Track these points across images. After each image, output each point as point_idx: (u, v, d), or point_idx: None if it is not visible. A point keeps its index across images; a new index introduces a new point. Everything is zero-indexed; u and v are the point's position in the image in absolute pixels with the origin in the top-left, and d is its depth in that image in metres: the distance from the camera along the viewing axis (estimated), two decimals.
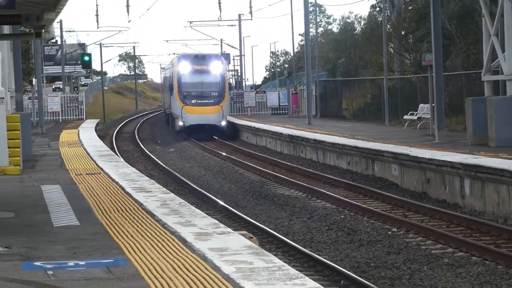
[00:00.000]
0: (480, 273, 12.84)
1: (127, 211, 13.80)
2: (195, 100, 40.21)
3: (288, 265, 9.84)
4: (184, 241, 10.91)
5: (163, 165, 28.96)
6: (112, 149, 31.51)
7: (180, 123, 40.31)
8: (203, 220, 12.75)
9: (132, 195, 15.57)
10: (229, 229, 12.14)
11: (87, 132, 37.59)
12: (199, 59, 42.56)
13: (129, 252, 10.41)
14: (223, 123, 40.61)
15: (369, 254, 14.65)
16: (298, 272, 9.13)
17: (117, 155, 28.33)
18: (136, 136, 43.81)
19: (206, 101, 40.32)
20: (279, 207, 20.16)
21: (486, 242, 14.75)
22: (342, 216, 18.76)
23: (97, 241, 11.27)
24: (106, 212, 13.64)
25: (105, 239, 11.51)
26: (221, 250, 10.14)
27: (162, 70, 63.62)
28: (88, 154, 25.15)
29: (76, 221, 13.19)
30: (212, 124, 40.39)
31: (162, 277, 8.75)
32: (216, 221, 12.63)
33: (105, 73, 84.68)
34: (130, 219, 12.88)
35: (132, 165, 24.09)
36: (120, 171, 19.97)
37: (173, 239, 11.12)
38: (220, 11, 56.80)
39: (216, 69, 41.69)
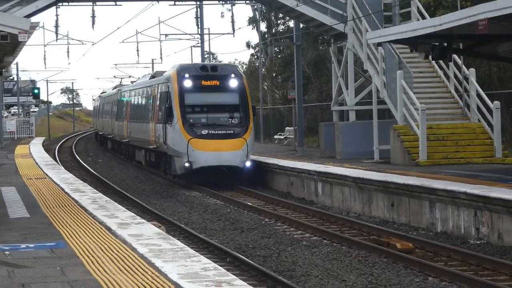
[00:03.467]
0: (329, 252, 12.91)
1: (66, 206, 13.44)
2: (206, 131, 20.36)
3: (188, 247, 9.60)
4: (109, 229, 10.63)
5: (94, 172, 28.19)
6: (55, 159, 30.36)
7: (185, 164, 20.18)
8: (123, 213, 12.45)
9: (70, 194, 15.17)
10: (143, 220, 11.89)
11: (36, 147, 36.47)
12: (209, 71, 21.23)
13: (67, 237, 10.14)
14: (248, 163, 20.69)
15: (248, 238, 14.51)
16: (195, 252, 8.93)
17: (59, 164, 27.29)
18: (73, 150, 42.08)
19: (223, 131, 20.47)
20: (181, 203, 19.93)
21: (334, 229, 14.86)
22: (228, 210, 18.63)
23: (43, 229, 10.99)
24: (50, 207, 13.28)
25: (49, 227, 11.20)
26: (137, 236, 9.91)
27: (93, 100, 59.46)
28: (37, 163, 24.49)
29: (27, 214, 12.85)
30: (232, 166, 20.45)
31: (93, 256, 8.53)
32: (134, 214, 12.37)
33: (50, 102, 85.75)
34: (69, 213, 12.56)
35: (70, 172, 23.16)
36: (61, 176, 19.47)
37: (101, 228, 10.84)
38: (138, 56, 53.69)
39: (234, 84, 21.05)
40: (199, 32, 38.51)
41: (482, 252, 12.14)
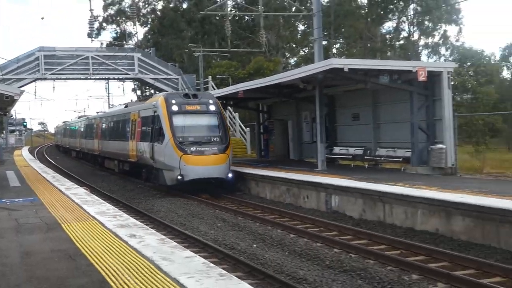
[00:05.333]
0: (170, 200, 20.15)
1: (39, 180, 20.38)
2: (195, 148, 22.06)
3: (100, 199, 14.83)
4: (61, 191, 16.27)
5: (55, 163, 41.67)
6: (34, 157, 46.29)
7: (178, 177, 21.65)
8: (68, 183, 18.63)
9: (41, 174, 23.00)
10: (78, 186, 17.73)
11: (25, 151, 57.60)
12: (191, 97, 23.51)
13: (39, 195, 15.50)
14: (230, 175, 22.36)
15: (132, 193, 21.90)
16: (104, 201, 14.23)
17: (36, 159, 42.62)
18: (44, 153, 62.38)
19: (208, 148, 22.29)
20: (101, 177, 29.81)
21: None
22: (126, 182, 26.42)
23: (27, 192, 16.59)
24: (31, 181, 20.08)
25: (30, 191, 16.90)
26: (75, 194, 15.37)
27: (55, 127, 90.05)
28: (25, 158, 38.71)
29: (19, 184, 19.31)
30: (219, 178, 22.20)
31: (52, 204, 13.30)
32: (74, 183, 18.46)
33: (31, 129, 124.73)
34: (40, 183, 18.94)
35: (42, 163, 36.26)
36: (37, 165, 30.61)
37: (56, 190, 16.51)
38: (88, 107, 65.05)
39: (213, 108, 23.33)
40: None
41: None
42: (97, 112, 54.06)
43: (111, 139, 32.30)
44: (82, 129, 46.22)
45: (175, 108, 22.72)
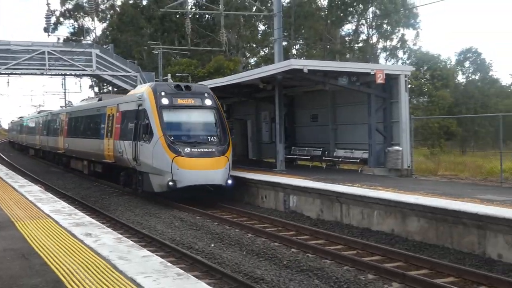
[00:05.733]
0: (127, 199, 19.90)
1: None
2: (189, 149, 18.53)
3: (58, 197, 14.84)
4: (14, 188, 16.13)
5: (8, 160, 41.01)
6: None
7: (169, 183, 18.13)
8: (22, 180, 18.39)
9: None
10: (33, 184, 17.51)
11: None
12: (184, 90, 19.88)
13: None
14: (230, 181, 18.90)
15: (87, 191, 21.66)
16: (59, 199, 14.02)
17: None
18: None
19: (206, 149, 18.74)
20: (56, 175, 29.76)
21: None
22: (81, 179, 26.05)
23: None
24: None
25: None
26: (30, 191, 15.21)
27: (9, 123, 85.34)
28: None
29: None
30: (217, 185, 18.67)
31: (4, 201, 13.23)
32: (28, 181, 18.11)
33: None
34: None
35: None
36: None
37: (9, 188, 16.37)
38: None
39: (209, 103, 19.87)
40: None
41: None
42: (61, 107, 52.17)
43: (81, 137, 28.97)
44: (43, 125, 42.66)
45: (165, 101, 19.28)
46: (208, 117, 19.59)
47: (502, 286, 9.17)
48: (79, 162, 29.78)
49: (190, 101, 19.61)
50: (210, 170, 18.27)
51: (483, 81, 56.07)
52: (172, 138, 18.51)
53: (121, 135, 21.65)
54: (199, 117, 19.56)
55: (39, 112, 52.88)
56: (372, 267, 10.51)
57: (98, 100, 28.17)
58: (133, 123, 20.26)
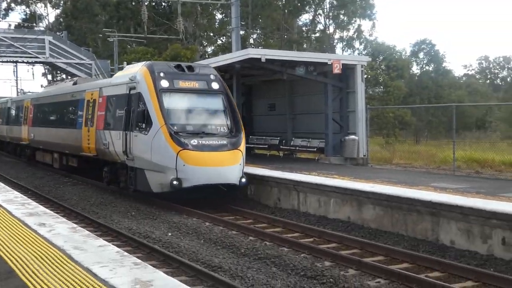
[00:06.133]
0: (81, 188, 19.53)
1: None
2: (197, 141, 15.30)
3: (10, 187, 14.89)
4: None
5: None
6: None
7: (173, 182, 14.99)
8: None
9: None
10: (11, 189, 15.67)
11: None
12: (187, 70, 16.76)
13: None
14: (244, 179, 15.91)
15: (42, 182, 21.28)
16: (11, 189, 14.14)
17: None
18: None
19: (216, 142, 15.57)
20: (9, 164, 28.92)
21: None
22: (49, 174, 25.46)
23: None
24: None
25: None
26: (5, 197, 14.64)
27: None
28: None
29: None
30: (231, 184, 15.60)
31: None
32: (4, 185, 16.18)
33: None
34: None
35: None
36: None
37: None
38: None
39: (217, 87, 16.81)
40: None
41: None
42: (24, 93, 48.26)
43: (51, 126, 25.38)
44: (2, 113, 38.53)
45: (165, 83, 16.10)
46: (216, 103, 16.59)
47: (454, 272, 9.41)
48: (47, 155, 26.18)
49: (194, 84, 16.49)
50: (223, 166, 15.37)
51: (436, 72, 57.27)
52: (175, 128, 15.49)
53: (106, 124, 18.50)
54: (206, 103, 16.51)
55: None
56: (328, 254, 10.67)
57: (73, 84, 24.91)
58: (123, 109, 17.07)
